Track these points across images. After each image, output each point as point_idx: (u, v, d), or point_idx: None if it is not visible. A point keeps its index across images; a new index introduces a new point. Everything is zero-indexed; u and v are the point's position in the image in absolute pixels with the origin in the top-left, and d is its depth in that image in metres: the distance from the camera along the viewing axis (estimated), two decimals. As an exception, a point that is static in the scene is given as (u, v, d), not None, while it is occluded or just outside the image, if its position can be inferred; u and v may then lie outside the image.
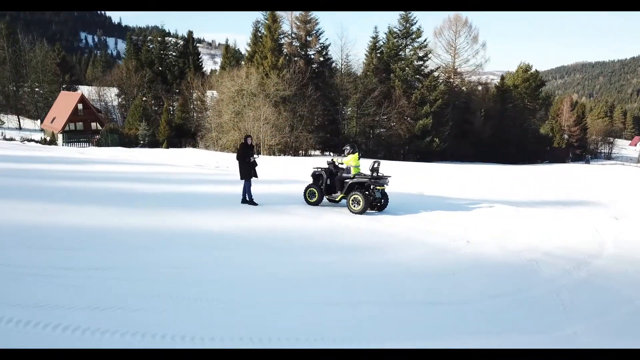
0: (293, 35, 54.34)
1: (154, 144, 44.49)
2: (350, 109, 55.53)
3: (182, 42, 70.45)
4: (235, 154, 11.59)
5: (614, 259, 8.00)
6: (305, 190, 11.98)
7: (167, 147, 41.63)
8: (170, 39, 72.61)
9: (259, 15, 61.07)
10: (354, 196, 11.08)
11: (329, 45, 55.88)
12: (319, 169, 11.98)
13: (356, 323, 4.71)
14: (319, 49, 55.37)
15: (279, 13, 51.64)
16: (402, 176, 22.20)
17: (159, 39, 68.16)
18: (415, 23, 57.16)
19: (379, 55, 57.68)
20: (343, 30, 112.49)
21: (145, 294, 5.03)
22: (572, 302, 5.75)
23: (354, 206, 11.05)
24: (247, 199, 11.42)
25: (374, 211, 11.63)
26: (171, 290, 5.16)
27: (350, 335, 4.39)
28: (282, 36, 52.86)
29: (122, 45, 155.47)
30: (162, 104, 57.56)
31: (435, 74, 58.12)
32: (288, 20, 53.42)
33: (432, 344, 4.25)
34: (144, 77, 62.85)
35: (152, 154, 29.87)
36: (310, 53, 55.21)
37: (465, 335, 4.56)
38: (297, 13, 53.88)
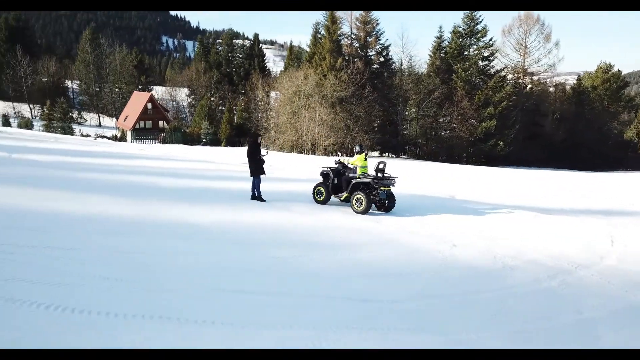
0: (353, 36, 54.42)
1: (215, 142, 46.41)
2: (410, 110, 54.63)
3: (248, 44, 72.80)
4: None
5: (605, 272, 7.38)
6: (314, 189, 12.09)
7: (226, 145, 43.26)
8: (237, 41, 75.27)
9: (319, 17, 61.70)
10: (357, 196, 11.04)
11: (389, 45, 55.36)
12: (328, 168, 12.04)
13: (247, 309, 4.79)
14: (379, 49, 55.00)
15: (339, 14, 51.94)
16: (440, 179, 21.64)
17: (227, 41, 70.93)
18: (480, 22, 55.09)
19: (443, 55, 56.17)
20: (404, 31, 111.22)
21: (90, 274, 5.40)
22: (511, 309, 5.46)
23: (357, 206, 11.00)
24: (256, 195, 11.73)
25: (380, 212, 11.52)
26: (114, 273, 5.51)
27: (233, 319, 4.50)
28: (341, 37, 53.11)
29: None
30: (229, 104, 59.90)
31: (502, 74, 55.55)
32: (348, 21, 53.61)
33: (303, 333, 4.24)
34: (212, 78, 65.74)
35: (205, 152, 31.25)
36: (369, 54, 55.01)
37: (348, 330, 4.48)
38: (357, 14, 53.94)
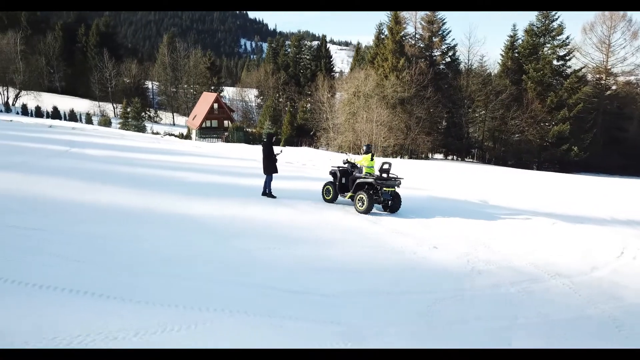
0: (418, 37, 53.54)
1: (275, 142, 47.70)
2: (477, 112, 52.78)
3: (315, 46, 73.93)
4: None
5: (583, 283, 6.93)
6: (323, 188, 12.28)
7: (284, 145, 44.37)
8: (305, 42, 76.66)
9: (383, 17, 61.28)
10: (359, 196, 11.09)
11: (455, 45, 53.78)
12: (337, 168, 12.18)
13: (189, 293, 5.11)
14: (445, 49, 53.66)
15: (403, 14, 51.33)
16: (491, 183, 20.89)
17: (295, 43, 72.51)
18: (556, 19, 51.82)
19: (516, 54, 53.48)
20: (471, 30, 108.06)
21: (55, 253, 6.05)
22: (444, 310, 5.41)
23: (359, 205, 11.05)
24: (267, 191, 12.12)
25: (385, 212, 11.49)
26: (74, 253, 6.11)
27: (162, 298, 4.85)
28: (406, 37, 52.44)
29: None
30: (294, 105, 61.33)
31: (580, 74, 51.81)
32: (412, 21, 52.84)
33: (217, 315, 4.49)
34: (279, 80, 67.56)
35: (255, 151, 32.28)
36: (434, 54, 53.84)
37: (244, 315, 4.67)
38: (421, 13, 53.02)
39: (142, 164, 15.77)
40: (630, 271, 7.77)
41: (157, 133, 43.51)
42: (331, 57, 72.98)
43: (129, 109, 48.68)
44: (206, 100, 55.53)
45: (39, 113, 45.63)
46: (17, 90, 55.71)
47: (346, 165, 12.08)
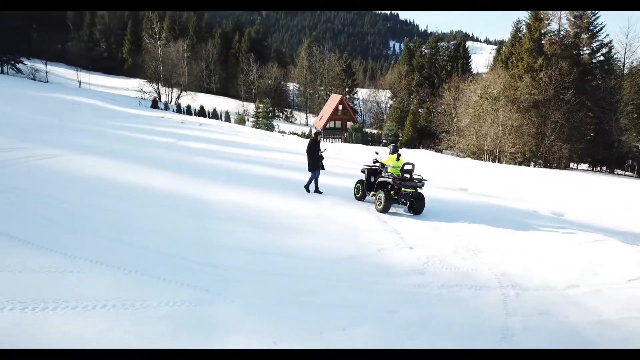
0: (562, 34, 48.61)
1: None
2: (631, 117, 46.09)
3: (453, 46, 71.63)
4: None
5: (535, 295, 6.41)
6: (354, 186, 12.62)
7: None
8: (442, 43, 74.66)
9: (523, 15, 56.72)
10: (378, 194, 11.24)
11: (610, 42, 47.53)
12: (367, 167, 12.40)
13: (139, 261, 6.18)
14: (595, 47, 47.83)
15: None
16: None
17: (432, 44, 71.17)
18: None
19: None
20: (630, 25, 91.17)
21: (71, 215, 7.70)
22: (353, 302, 5.67)
23: (378, 204, 11.20)
24: (314, 187, 12.65)
25: (408, 213, 11.44)
26: (78, 225, 7.70)
27: (120, 265, 5.99)
28: (548, 35, 48.00)
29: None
30: (426, 107, 60.44)
31: None
32: (556, 17, 48.13)
33: (153, 281, 5.47)
34: (412, 81, 67.11)
35: (354, 151, 33.01)
36: (582, 53, 48.30)
37: (178, 285, 5.49)
38: (568, 8, 47.85)
39: (222, 156, 17.67)
40: (615, 292, 6.87)
41: (283, 132, 46.84)
42: (469, 57, 69.98)
43: (260, 109, 53.22)
44: (332, 101, 57.83)
45: (189, 111, 52.51)
46: (179, 91, 64.46)
47: (377, 165, 12.25)
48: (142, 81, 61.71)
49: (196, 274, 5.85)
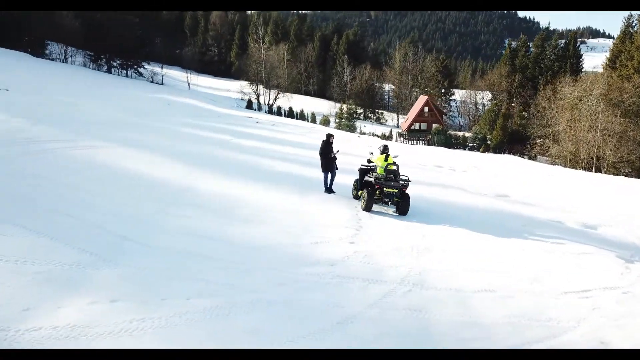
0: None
1: (485, 148, 45.62)
2: None
3: (562, 44, 66.24)
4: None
5: (435, 295, 6.51)
6: (352, 185, 12.94)
7: (484, 152, 42.26)
8: (550, 42, 69.17)
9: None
10: (362, 193, 11.53)
11: None
12: (363, 166, 12.64)
13: (83, 236, 7.48)
14: None
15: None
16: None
17: (538, 42, 66.56)
18: None
19: None
20: None
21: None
22: (229, 281, 6.35)
23: (361, 202, 11.50)
24: (327, 187, 13.05)
25: (395, 213, 11.56)
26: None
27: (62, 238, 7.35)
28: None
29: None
30: (505, 110, 56.92)
31: None
32: (678, 9, 42.33)
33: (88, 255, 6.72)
34: (513, 82, 63.47)
35: (433, 154, 32.37)
36: None
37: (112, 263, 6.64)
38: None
39: (262, 154, 18.73)
40: (518, 303, 6.65)
41: (363, 133, 47.33)
42: (581, 56, 64.21)
43: (343, 110, 54.20)
44: (419, 102, 56.78)
45: (279, 112, 55.27)
46: (276, 93, 67.97)
47: (372, 165, 12.46)
48: (244, 83, 66.06)
49: (107, 245, 6.91)
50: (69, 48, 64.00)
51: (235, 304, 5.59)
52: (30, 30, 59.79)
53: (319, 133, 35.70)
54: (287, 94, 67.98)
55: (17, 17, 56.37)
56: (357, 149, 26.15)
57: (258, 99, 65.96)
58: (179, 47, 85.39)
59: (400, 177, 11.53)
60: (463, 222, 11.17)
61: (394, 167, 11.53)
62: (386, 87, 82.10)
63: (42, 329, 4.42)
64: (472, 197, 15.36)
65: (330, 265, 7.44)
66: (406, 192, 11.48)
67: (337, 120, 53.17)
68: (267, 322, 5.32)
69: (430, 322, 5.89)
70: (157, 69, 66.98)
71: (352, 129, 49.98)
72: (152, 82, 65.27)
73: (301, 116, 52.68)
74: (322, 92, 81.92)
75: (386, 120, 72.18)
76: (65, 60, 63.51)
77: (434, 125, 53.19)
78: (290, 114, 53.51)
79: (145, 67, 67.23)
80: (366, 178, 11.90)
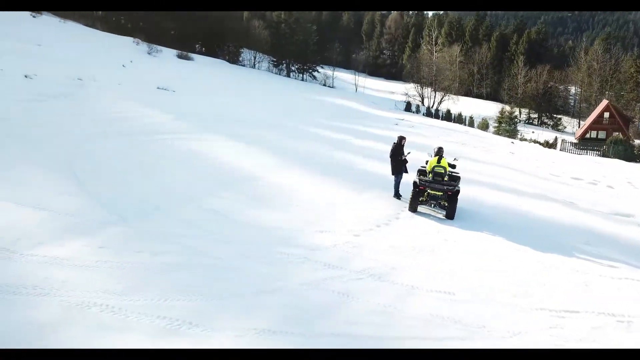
0: None
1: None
2: None
3: None
4: None
5: (388, 289, 6.98)
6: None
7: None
8: None
9: None
10: (411, 194, 11.80)
11: None
12: (421, 168, 12.70)
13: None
14: None
15: None
16: None
17: None
18: None
19: None
20: None
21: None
22: (195, 249, 7.89)
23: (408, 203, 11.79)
24: (396, 191, 13.08)
25: (441, 217, 11.57)
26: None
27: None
28: None
29: None
30: None
31: None
32: None
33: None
34: None
35: (604, 167, 28.80)
36: None
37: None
38: None
39: (365, 153, 19.62)
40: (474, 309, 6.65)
41: (524, 139, 43.74)
42: None
43: (504, 114, 50.45)
44: (599, 108, 49.49)
45: (436, 114, 54.31)
46: (442, 95, 66.73)
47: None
48: (409, 85, 66.64)
49: (137, 211, 8.92)
50: (257, 55, 72.94)
51: (186, 265, 6.99)
52: (230, 40, 70.15)
53: (461, 135, 34.71)
54: (453, 96, 66.22)
55: (219, 30, 66.90)
56: (497, 157, 25.10)
57: (422, 102, 65.81)
58: (355, 51, 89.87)
59: (449, 181, 11.49)
60: (506, 232, 10.67)
61: (441, 170, 11.52)
62: (572, 89, 73.52)
63: (37, 256, 6.47)
64: (574, 213, 13.99)
65: (310, 249, 8.31)
66: (454, 195, 11.39)
67: (495, 124, 50.08)
68: (202, 282, 6.54)
69: (344, 306, 6.43)
70: (329, 72, 71.75)
71: (512, 134, 46.61)
72: (324, 85, 70.38)
73: (458, 119, 51.06)
74: (495, 95, 77.40)
75: (564, 127, 64.71)
76: (253, 66, 72.68)
77: (614, 134, 46.04)
78: (448, 116, 52.28)
79: (319, 70, 72.82)
80: (415, 179, 12.09)
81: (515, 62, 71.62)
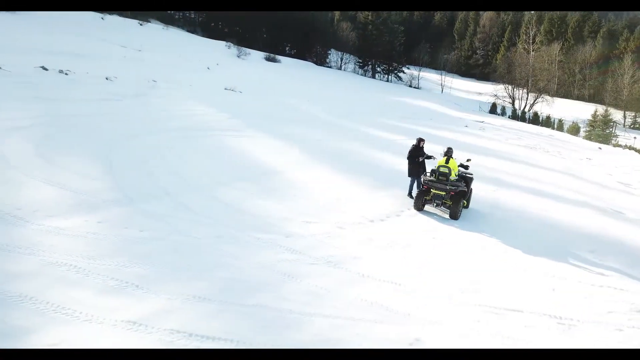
0: None
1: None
2: None
3: None
4: None
5: (335, 274, 7.56)
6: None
7: None
8: None
9: None
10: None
11: None
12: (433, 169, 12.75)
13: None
14: None
15: None
16: None
17: None
18: None
19: None
20: None
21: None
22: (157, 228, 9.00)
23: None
24: (410, 191, 13.12)
25: (446, 217, 11.66)
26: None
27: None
28: None
29: None
30: None
31: None
32: None
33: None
34: None
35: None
36: None
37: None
38: None
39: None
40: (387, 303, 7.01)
41: (618, 145, 39.97)
42: None
43: (597, 117, 46.22)
44: None
45: (522, 117, 51.29)
46: (535, 97, 62.78)
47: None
48: (499, 86, 63.70)
49: (146, 194, 10.18)
50: (344, 57, 74.07)
51: (160, 240, 8.04)
52: (318, 42, 72.16)
53: (535, 139, 32.83)
54: (549, 97, 62.07)
55: (309, 32, 69.22)
56: (564, 162, 23.85)
57: (513, 104, 62.65)
58: (446, 52, 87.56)
59: (456, 181, 11.54)
60: (508, 234, 10.54)
61: (446, 170, 11.58)
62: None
63: (44, 225, 7.89)
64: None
65: (285, 236, 9.01)
66: (457, 195, 11.42)
67: (587, 129, 46.18)
68: (163, 254, 7.54)
69: (282, 285, 7.09)
70: (416, 72, 70.82)
71: (605, 139, 42.84)
72: (409, 86, 69.71)
73: (546, 123, 47.87)
74: (598, 97, 71.05)
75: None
76: (340, 67, 74.00)
77: None
78: (535, 119, 49.28)
79: (404, 71, 72.16)
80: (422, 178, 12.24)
81: (622, 60, 65.17)
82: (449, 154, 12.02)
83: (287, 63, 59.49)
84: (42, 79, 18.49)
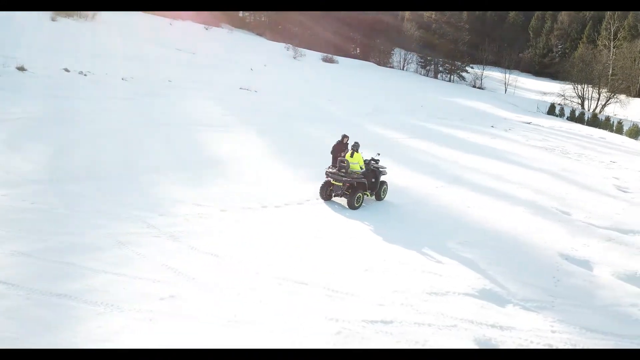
0: None
1: None
2: None
3: None
4: None
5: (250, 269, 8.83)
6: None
7: None
8: None
9: None
10: (334, 186, 12.83)
11: None
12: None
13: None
14: None
15: None
16: None
17: None
18: None
19: None
20: None
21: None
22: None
23: (321, 191, 12.84)
24: None
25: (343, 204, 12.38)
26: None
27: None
28: None
29: None
30: None
31: None
32: None
33: None
34: None
35: None
36: None
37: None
38: None
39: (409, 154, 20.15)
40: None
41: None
42: None
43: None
44: None
45: (580, 119, 47.58)
46: (607, 97, 58.13)
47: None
48: (567, 86, 59.91)
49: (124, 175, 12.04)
50: (407, 56, 73.28)
51: (37, 210, 9.62)
52: (381, 41, 72.12)
53: (565, 141, 30.85)
54: (623, 98, 57.26)
55: (376, 30, 69.55)
56: (575, 165, 22.77)
57: (582, 104, 58.65)
58: (520, 50, 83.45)
59: (352, 173, 12.15)
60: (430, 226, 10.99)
61: (344, 164, 12.21)
62: None
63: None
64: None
65: (160, 215, 10.19)
66: (353, 187, 12.08)
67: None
68: (31, 220, 9.19)
69: (115, 250, 8.41)
70: (479, 72, 68.52)
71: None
72: (473, 86, 67.58)
73: (604, 124, 44.27)
74: (690, 98, 63.84)
75: None
76: (402, 67, 73.41)
77: None
78: (594, 121, 45.73)
79: (467, 71, 69.98)
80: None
81: None
82: (354, 148, 12.62)
83: (346, 64, 59.91)
84: (62, 80, 21.29)
